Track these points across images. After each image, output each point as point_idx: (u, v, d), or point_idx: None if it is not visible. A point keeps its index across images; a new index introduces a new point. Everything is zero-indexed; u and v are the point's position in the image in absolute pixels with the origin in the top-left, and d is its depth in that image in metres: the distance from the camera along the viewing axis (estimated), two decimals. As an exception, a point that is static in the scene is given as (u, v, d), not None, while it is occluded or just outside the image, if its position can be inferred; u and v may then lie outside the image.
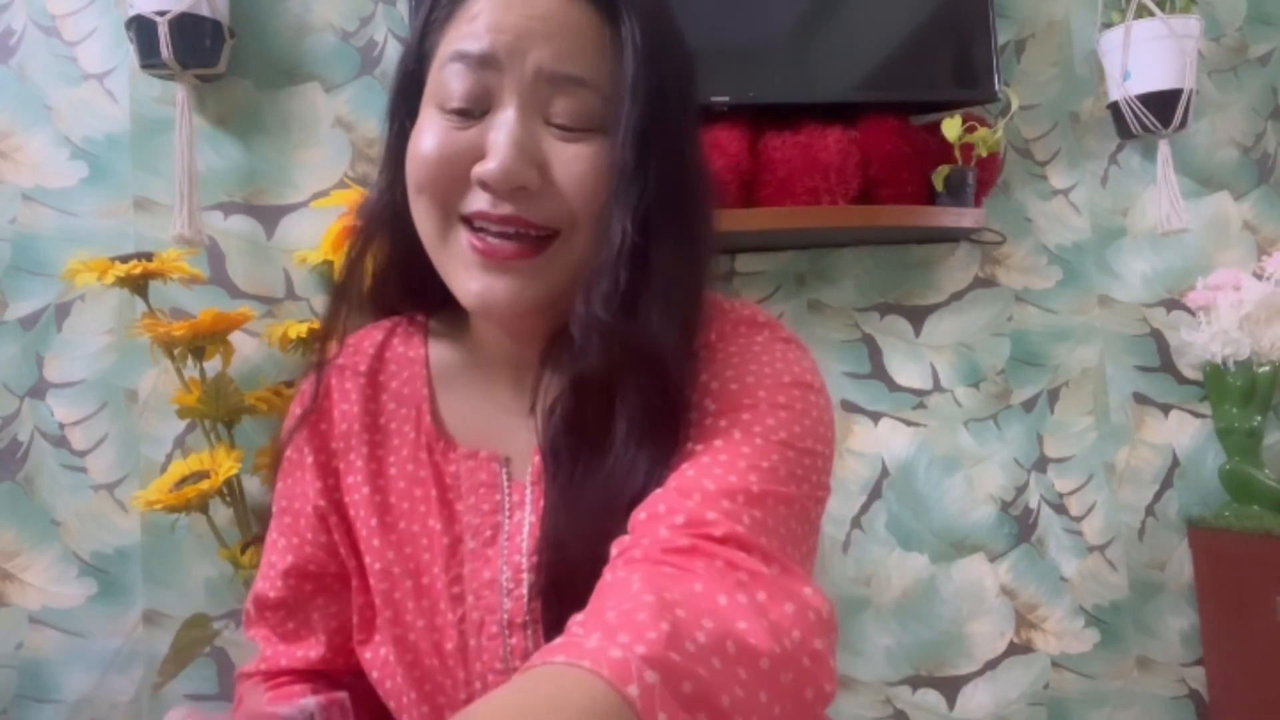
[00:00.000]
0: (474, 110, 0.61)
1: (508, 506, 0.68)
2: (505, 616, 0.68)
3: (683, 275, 0.63)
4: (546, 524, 0.63)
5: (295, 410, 0.75)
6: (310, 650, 0.75)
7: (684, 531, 0.52)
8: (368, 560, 0.70)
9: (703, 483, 0.55)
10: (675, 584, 0.48)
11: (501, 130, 0.59)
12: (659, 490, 0.57)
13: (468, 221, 0.62)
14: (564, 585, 0.60)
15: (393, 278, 0.72)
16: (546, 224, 0.61)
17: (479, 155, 0.60)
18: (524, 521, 0.67)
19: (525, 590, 0.67)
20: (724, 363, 0.65)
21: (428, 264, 0.66)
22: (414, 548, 0.69)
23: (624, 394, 0.60)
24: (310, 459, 0.73)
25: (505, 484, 0.68)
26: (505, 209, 0.60)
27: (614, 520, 0.58)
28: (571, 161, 0.60)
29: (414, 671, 0.70)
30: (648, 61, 0.61)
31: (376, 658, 0.71)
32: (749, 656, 0.45)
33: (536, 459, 0.67)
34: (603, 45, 0.61)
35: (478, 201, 0.60)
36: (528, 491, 0.68)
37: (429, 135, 0.62)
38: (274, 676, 0.76)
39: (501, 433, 0.70)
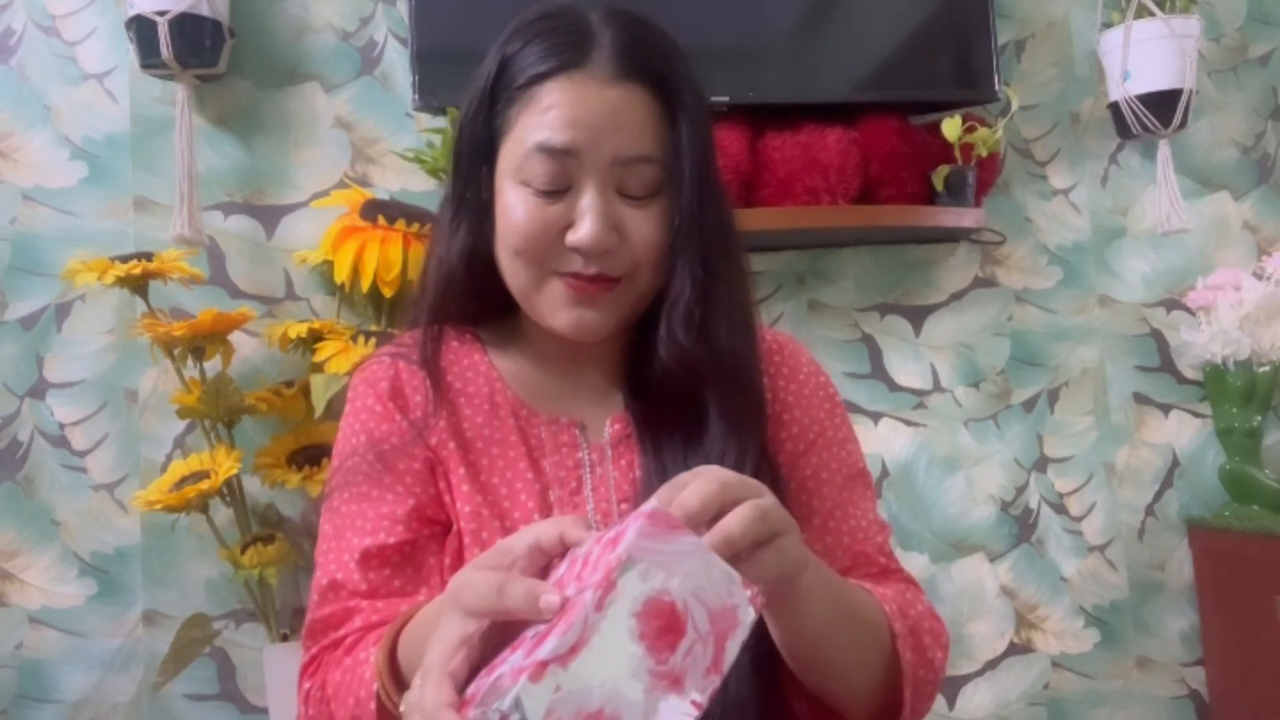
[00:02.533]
0: (559, 190, 0.74)
1: (588, 463, 0.81)
2: None
3: (738, 293, 0.80)
4: (657, 481, 0.73)
5: (365, 391, 0.83)
6: (429, 597, 0.78)
7: (883, 564, 0.83)
8: (459, 505, 0.79)
9: (873, 530, 0.84)
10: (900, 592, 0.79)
11: (588, 207, 0.73)
12: (860, 528, 0.83)
13: (558, 273, 0.76)
14: None
15: (457, 298, 0.84)
16: (621, 273, 0.76)
17: (568, 224, 0.74)
18: (607, 475, 0.80)
19: None
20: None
21: (489, 293, 0.80)
22: (496, 496, 0.79)
23: (712, 394, 0.76)
24: (403, 423, 0.81)
25: (584, 444, 0.81)
26: (592, 269, 0.74)
27: None
28: (642, 223, 0.75)
29: None
30: (696, 128, 0.75)
31: None
32: (938, 631, 0.78)
33: (615, 426, 0.81)
34: (660, 123, 0.74)
35: (572, 263, 0.75)
36: (607, 451, 0.81)
37: (521, 209, 0.74)
38: (378, 627, 0.77)
39: (570, 404, 0.83)
